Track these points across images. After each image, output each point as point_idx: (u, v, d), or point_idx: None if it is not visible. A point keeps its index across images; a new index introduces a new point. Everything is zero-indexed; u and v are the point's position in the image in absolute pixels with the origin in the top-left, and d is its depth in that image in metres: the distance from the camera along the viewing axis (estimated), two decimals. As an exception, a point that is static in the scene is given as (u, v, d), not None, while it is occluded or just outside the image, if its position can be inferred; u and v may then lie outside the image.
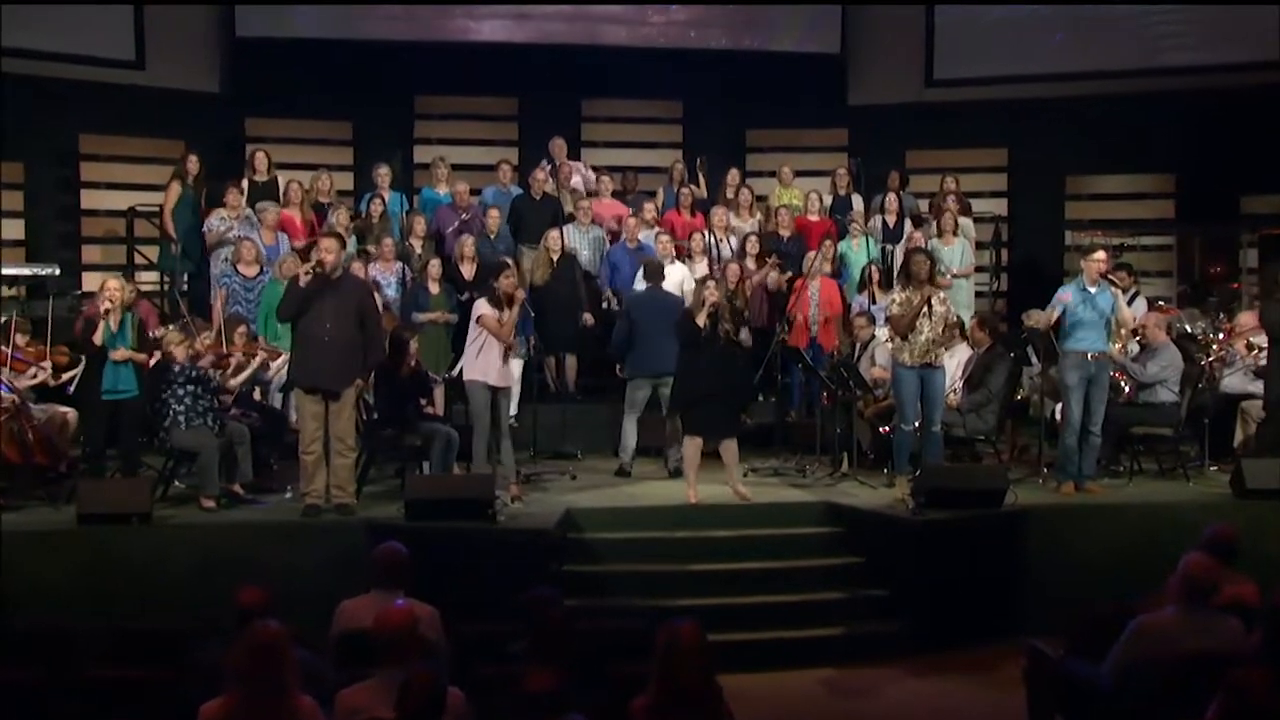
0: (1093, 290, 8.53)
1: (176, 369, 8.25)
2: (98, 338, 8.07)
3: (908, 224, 11.79)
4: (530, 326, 9.93)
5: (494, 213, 11.17)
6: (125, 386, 8.17)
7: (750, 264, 10.89)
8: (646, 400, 9.48)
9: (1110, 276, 8.79)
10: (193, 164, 11.21)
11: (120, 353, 8.09)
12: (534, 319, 9.93)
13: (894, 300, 8.64)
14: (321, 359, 7.86)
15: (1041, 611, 7.37)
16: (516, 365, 9.43)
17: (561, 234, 10.80)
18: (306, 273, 7.95)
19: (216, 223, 10.80)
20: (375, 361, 8.24)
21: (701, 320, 8.46)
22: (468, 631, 5.61)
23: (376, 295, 10.08)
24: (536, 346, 9.72)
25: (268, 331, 9.76)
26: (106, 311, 8.08)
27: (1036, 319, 9.59)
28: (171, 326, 9.04)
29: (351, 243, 10.73)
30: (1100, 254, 8.67)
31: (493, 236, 11.04)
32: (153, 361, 8.38)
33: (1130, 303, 10.19)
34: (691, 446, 8.53)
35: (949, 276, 10.74)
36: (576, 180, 12.21)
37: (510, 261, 9.68)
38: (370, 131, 13.48)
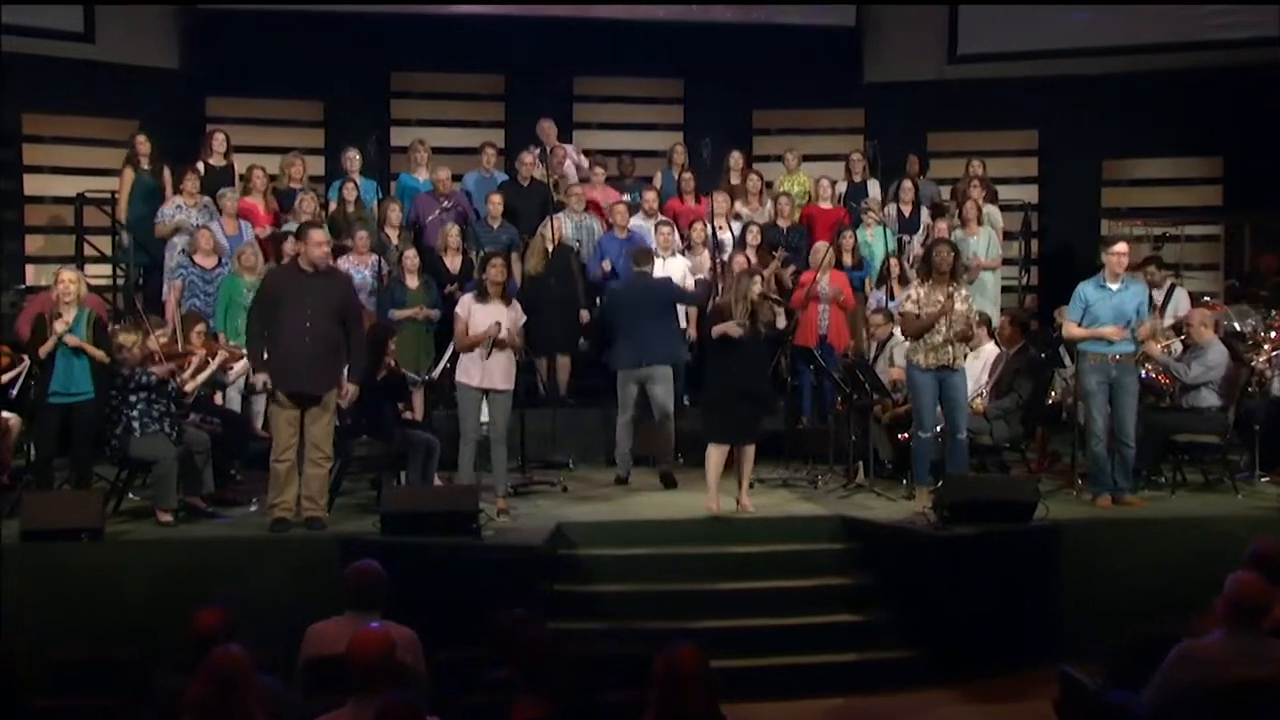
0: (1114, 287, 8.52)
1: (127, 373, 8.24)
2: (50, 340, 8.05)
3: (924, 213, 11.81)
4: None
5: (495, 199, 11.17)
6: (80, 388, 8.15)
7: (751, 255, 10.87)
8: (636, 397, 9.48)
9: (1149, 271, 8.78)
10: (142, 145, 11.18)
11: (73, 338, 8.07)
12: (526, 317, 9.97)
13: (908, 296, 8.65)
14: (301, 361, 7.85)
15: (1076, 636, 7.37)
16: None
17: (553, 224, 10.79)
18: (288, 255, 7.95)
19: (171, 211, 10.80)
20: (360, 365, 8.18)
21: (739, 316, 8.36)
22: (449, 657, 5.60)
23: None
24: (525, 348, 9.72)
25: (227, 328, 9.76)
26: (56, 317, 8.06)
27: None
28: (118, 325, 9.00)
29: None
30: (1121, 246, 8.64)
31: (495, 225, 11.04)
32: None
33: (1167, 299, 10.21)
34: (716, 454, 8.49)
35: (974, 268, 10.76)
36: (569, 166, 12.20)
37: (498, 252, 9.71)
38: (343, 112, 13.50)
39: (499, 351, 8.57)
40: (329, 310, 7.93)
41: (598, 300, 11.04)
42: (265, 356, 8.05)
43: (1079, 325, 8.56)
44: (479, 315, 8.61)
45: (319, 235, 8.13)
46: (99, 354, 8.21)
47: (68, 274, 8.37)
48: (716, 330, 8.39)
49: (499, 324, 8.50)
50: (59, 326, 8.08)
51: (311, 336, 7.86)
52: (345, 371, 8.07)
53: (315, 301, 7.90)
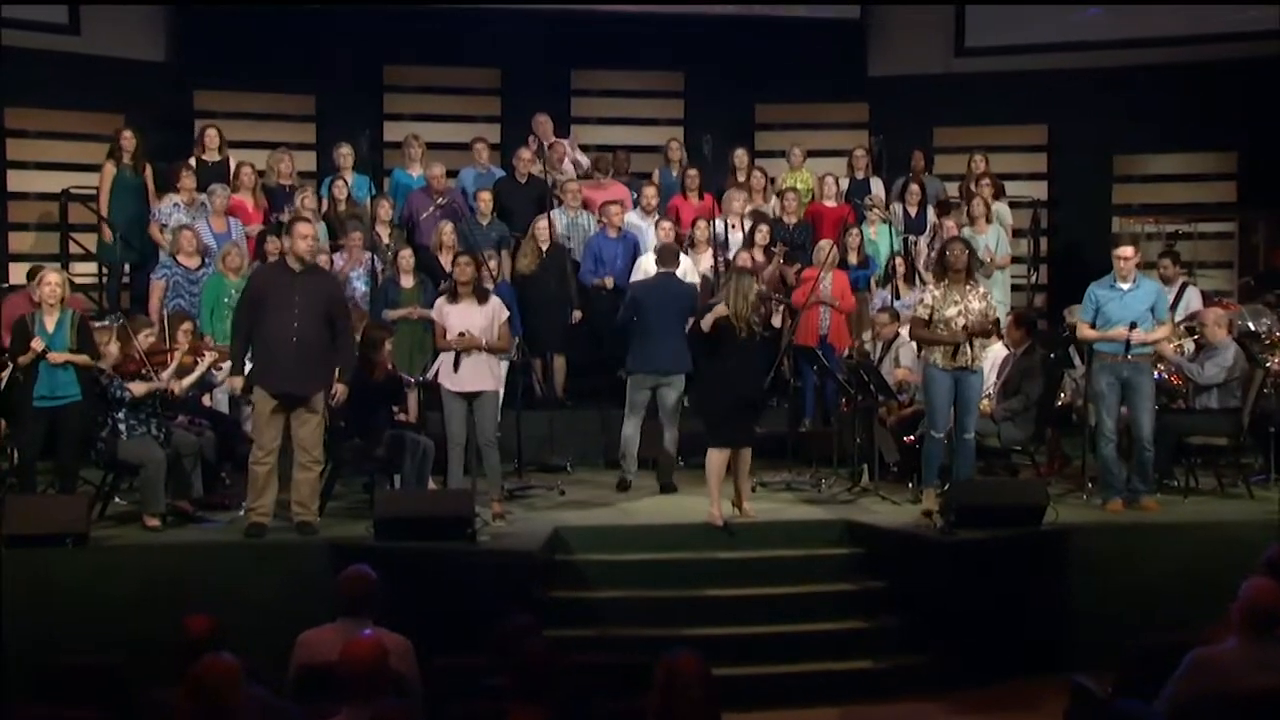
0: (1125, 286, 8.51)
1: (106, 381, 8.22)
2: (38, 344, 8.01)
3: (931, 212, 11.81)
4: (518, 325, 9.95)
5: (485, 195, 11.15)
6: (65, 392, 8.09)
7: (759, 254, 10.87)
8: (648, 403, 9.48)
9: (1163, 265, 8.75)
10: (128, 140, 11.16)
11: (57, 355, 8.04)
12: (519, 317, 9.94)
13: (921, 300, 8.61)
14: (289, 361, 7.84)
15: (1086, 643, 7.38)
16: (500, 368, 9.44)
17: (550, 221, 10.78)
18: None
19: (168, 209, 10.79)
20: (349, 366, 8.17)
21: (739, 316, 8.33)
22: (443, 665, 5.61)
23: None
24: (522, 348, 9.72)
25: (214, 330, 9.76)
26: (39, 324, 8.03)
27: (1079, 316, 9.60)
28: (99, 324, 8.97)
29: (321, 231, 10.74)
30: (1126, 250, 8.60)
31: (485, 222, 11.04)
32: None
33: (1178, 297, 10.21)
34: (718, 459, 8.44)
35: (989, 264, 10.74)
36: (568, 164, 12.15)
37: (492, 251, 9.69)
38: (335, 106, 13.48)
39: (476, 354, 8.54)
40: (317, 310, 7.92)
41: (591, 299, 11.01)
42: (247, 359, 8.06)
43: (1091, 326, 8.56)
44: (452, 317, 8.59)
45: (305, 229, 8.11)
46: (84, 359, 8.15)
47: (53, 275, 8.33)
48: (706, 320, 8.34)
49: (462, 334, 8.48)
50: (37, 344, 8.00)
51: (299, 336, 7.85)
52: (335, 372, 8.07)
53: (303, 301, 7.88)
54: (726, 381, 8.41)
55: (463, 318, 8.56)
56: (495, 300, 8.76)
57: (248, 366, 8.21)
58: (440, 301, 8.74)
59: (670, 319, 9.31)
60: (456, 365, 8.48)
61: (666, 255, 9.74)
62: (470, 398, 8.53)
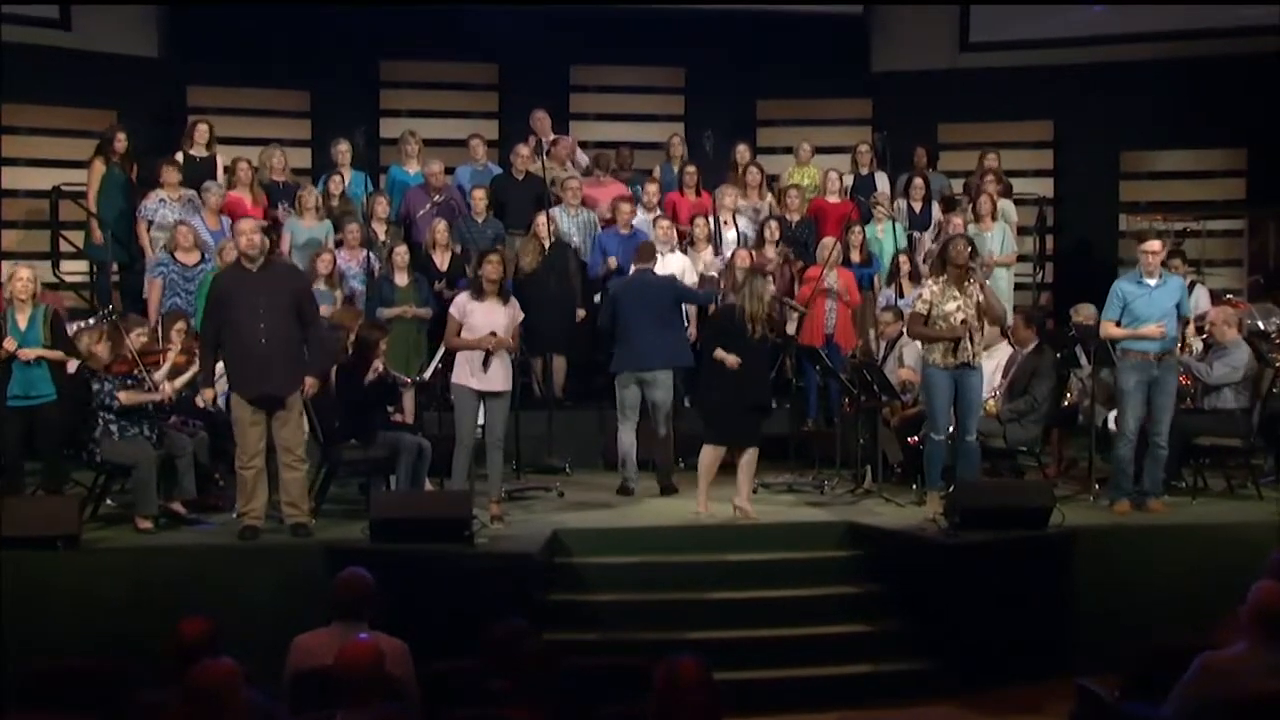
0: (1152, 283, 8.51)
1: (97, 386, 8.22)
2: (10, 344, 7.96)
3: (935, 208, 11.81)
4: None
5: (479, 193, 11.16)
6: (40, 391, 8.07)
7: (770, 251, 10.86)
8: (638, 402, 9.48)
9: (1172, 265, 8.76)
10: (121, 142, 11.15)
11: (27, 351, 8.00)
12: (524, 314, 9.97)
13: (920, 296, 8.60)
14: (260, 363, 7.81)
15: (1093, 647, 7.38)
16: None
17: (548, 218, 10.78)
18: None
19: (154, 205, 10.79)
20: (320, 361, 8.17)
21: (754, 318, 8.37)
22: (440, 669, 5.61)
23: (339, 289, 10.15)
24: (520, 348, 9.72)
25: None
26: (7, 310, 8.01)
27: (1085, 315, 9.59)
28: (81, 324, 8.95)
29: (324, 227, 10.76)
30: (1154, 244, 8.61)
31: (481, 220, 11.04)
32: (72, 365, 8.32)
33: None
34: (712, 455, 8.50)
35: (987, 265, 10.75)
36: (577, 161, 12.14)
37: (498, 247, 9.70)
38: (330, 102, 13.49)
39: (502, 354, 8.55)
40: (283, 307, 7.88)
41: (596, 298, 11.01)
42: (216, 368, 8.06)
43: (1117, 324, 8.54)
44: (477, 315, 8.59)
45: (243, 224, 8.12)
46: (57, 355, 8.15)
47: (24, 271, 8.29)
48: (718, 356, 8.37)
49: (493, 335, 8.50)
50: (9, 343, 7.95)
51: (267, 337, 7.81)
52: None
53: (267, 300, 7.84)
54: (734, 383, 8.40)
55: (489, 316, 8.55)
56: (515, 300, 8.79)
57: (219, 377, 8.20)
58: (464, 298, 8.70)
59: (649, 315, 9.34)
60: (486, 365, 8.49)
61: (643, 253, 9.78)
62: (487, 397, 8.54)
